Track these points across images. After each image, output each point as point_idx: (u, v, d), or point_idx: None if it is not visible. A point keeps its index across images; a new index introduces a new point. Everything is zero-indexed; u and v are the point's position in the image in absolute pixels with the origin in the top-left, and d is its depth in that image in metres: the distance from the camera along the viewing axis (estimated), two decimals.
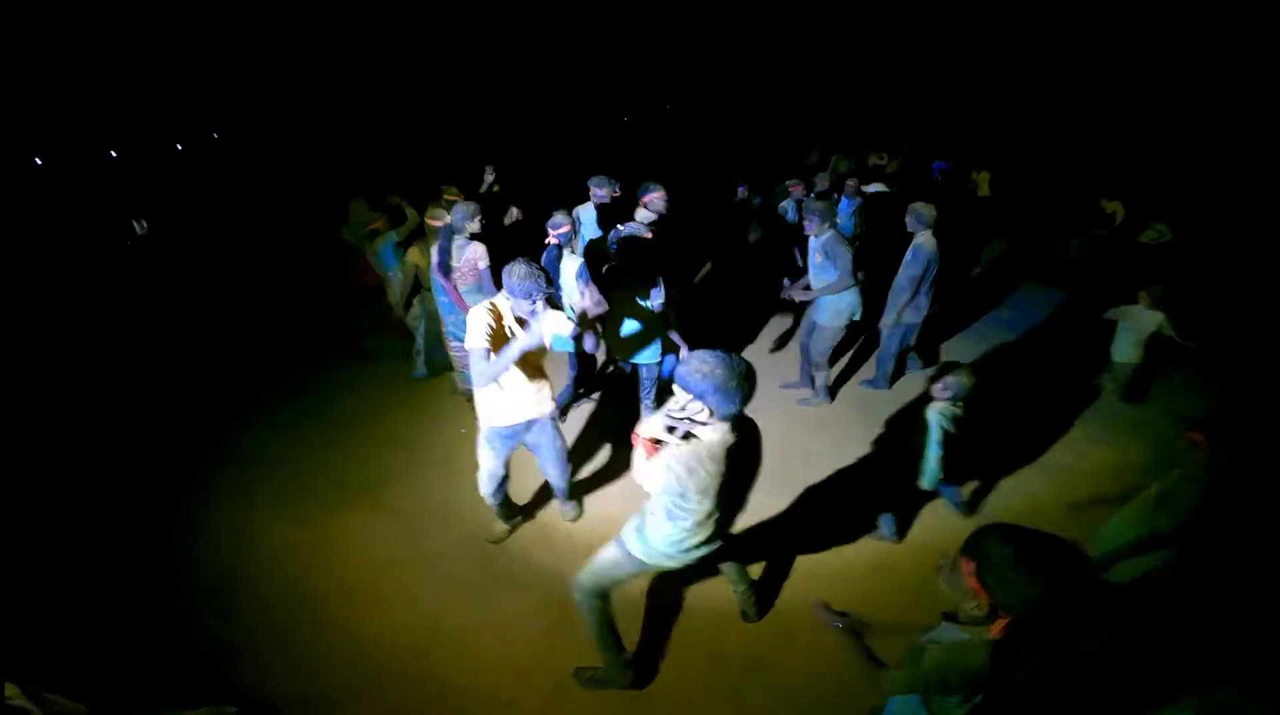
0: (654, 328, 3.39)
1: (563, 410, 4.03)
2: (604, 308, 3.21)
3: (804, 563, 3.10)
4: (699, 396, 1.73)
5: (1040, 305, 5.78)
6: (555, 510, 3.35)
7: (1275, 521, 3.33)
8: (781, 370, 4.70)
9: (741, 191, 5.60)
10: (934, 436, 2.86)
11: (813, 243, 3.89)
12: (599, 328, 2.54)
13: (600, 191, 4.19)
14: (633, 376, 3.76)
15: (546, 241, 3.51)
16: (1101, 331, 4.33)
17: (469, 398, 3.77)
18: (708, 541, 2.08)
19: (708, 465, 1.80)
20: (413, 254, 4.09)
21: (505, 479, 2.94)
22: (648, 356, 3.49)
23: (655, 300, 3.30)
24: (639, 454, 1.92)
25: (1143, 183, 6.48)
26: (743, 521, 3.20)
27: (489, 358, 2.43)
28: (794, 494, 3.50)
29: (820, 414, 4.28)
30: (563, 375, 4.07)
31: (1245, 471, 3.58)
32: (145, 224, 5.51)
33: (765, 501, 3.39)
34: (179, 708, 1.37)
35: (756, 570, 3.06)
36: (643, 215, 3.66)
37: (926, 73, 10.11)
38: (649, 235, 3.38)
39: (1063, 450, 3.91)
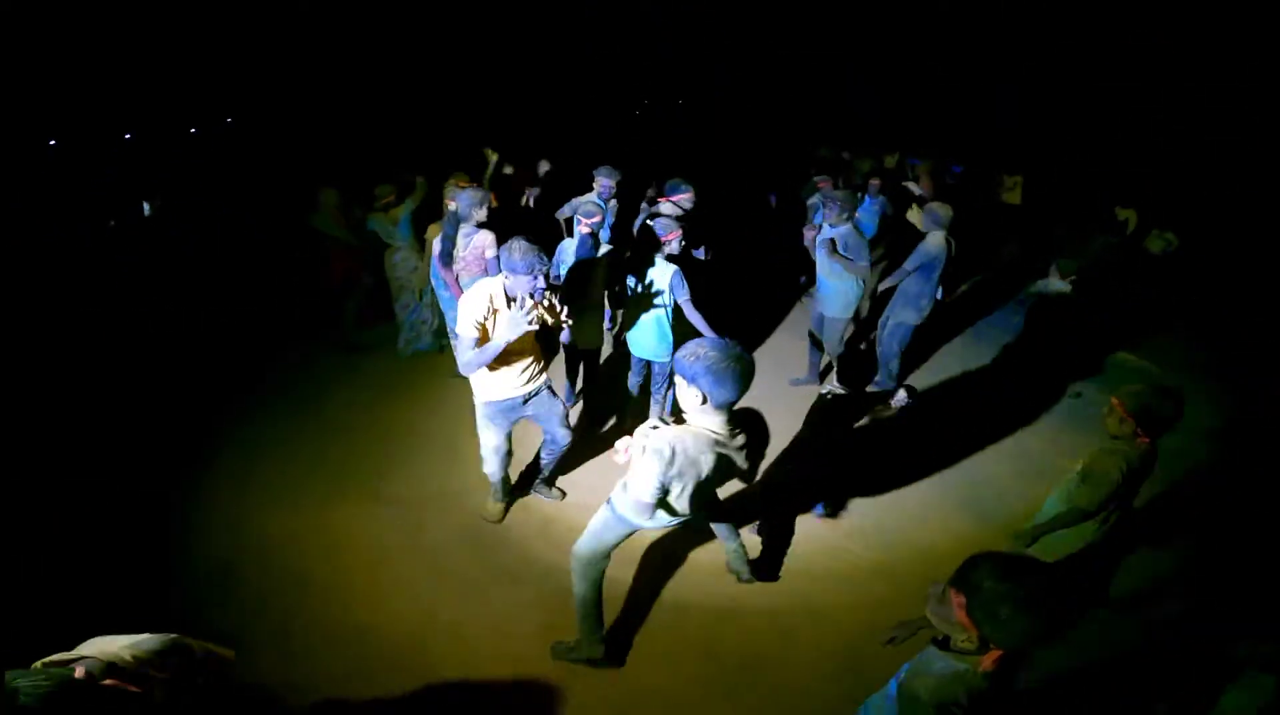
0: (666, 324, 3.35)
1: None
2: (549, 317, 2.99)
3: (808, 563, 3.09)
4: (691, 380, 1.74)
5: (1048, 309, 5.78)
6: (555, 503, 3.35)
7: (1275, 521, 3.34)
8: (790, 366, 4.70)
9: (773, 200, 5.57)
10: None
11: (828, 231, 3.85)
12: (564, 321, 2.66)
13: (607, 182, 4.17)
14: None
15: (579, 230, 3.35)
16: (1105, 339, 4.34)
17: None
18: (678, 511, 2.09)
19: (691, 452, 1.79)
20: (433, 231, 3.90)
21: (509, 454, 2.99)
22: (660, 353, 3.44)
23: (680, 296, 3.23)
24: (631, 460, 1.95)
25: (1143, 183, 6.48)
26: (772, 530, 3.26)
27: (475, 347, 2.49)
28: (806, 496, 3.48)
29: (828, 413, 4.27)
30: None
31: (1245, 471, 3.60)
32: (153, 205, 5.49)
33: (768, 500, 3.40)
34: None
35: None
36: (668, 208, 3.65)
37: (927, 73, 10.12)
38: (677, 231, 3.31)
39: (1057, 454, 3.89)
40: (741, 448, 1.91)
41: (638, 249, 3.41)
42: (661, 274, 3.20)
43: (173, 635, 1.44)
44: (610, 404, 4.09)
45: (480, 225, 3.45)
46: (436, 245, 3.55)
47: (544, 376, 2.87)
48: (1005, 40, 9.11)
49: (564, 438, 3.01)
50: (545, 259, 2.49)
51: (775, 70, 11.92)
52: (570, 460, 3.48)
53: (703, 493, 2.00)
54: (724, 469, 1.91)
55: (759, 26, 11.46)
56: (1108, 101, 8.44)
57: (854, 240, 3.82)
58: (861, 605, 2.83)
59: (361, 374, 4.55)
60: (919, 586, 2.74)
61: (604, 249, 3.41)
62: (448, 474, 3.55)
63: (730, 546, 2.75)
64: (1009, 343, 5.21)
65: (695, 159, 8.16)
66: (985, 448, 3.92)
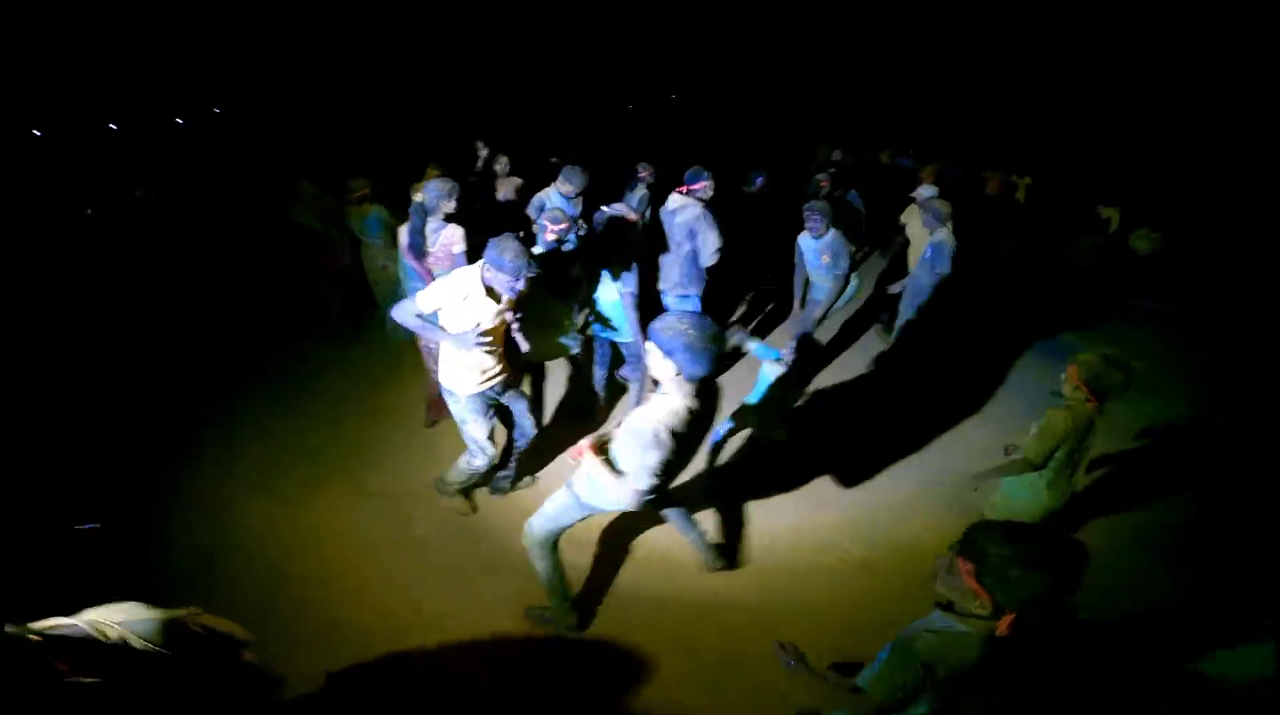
0: (623, 309, 3.41)
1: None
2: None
3: (792, 559, 3.08)
4: (668, 354, 1.80)
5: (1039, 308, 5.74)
6: (540, 494, 3.33)
7: (1275, 521, 3.30)
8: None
9: (760, 182, 5.39)
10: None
11: (817, 244, 3.88)
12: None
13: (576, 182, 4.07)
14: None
15: (544, 237, 3.30)
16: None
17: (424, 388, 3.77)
18: (655, 490, 2.13)
19: (677, 428, 1.86)
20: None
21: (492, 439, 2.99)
22: (627, 335, 3.50)
23: (628, 286, 3.30)
24: (587, 462, 2.07)
25: (1142, 183, 6.45)
26: (741, 520, 3.26)
27: (421, 319, 2.54)
28: (792, 493, 3.49)
29: (834, 413, 4.27)
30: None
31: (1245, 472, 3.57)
32: (140, 194, 5.49)
33: (764, 499, 3.41)
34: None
35: (747, 564, 3.06)
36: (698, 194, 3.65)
37: (927, 73, 10.09)
38: (634, 218, 3.38)
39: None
40: (710, 412, 2.01)
41: (603, 237, 3.42)
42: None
43: (174, 613, 1.37)
44: (580, 397, 4.07)
45: (449, 218, 3.28)
46: (404, 237, 3.38)
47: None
48: (1005, 40, 9.07)
49: (532, 428, 3.12)
50: (533, 266, 2.51)
51: (775, 70, 11.90)
52: (545, 453, 3.56)
53: (685, 458, 2.08)
54: (699, 434, 2.00)
55: (759, 26, 11.45)
56: (1106, 102, 8.40)
57: (840, 246, 3.84)
58: (845, 601, 2.81)
59: (349, 365, 4.51)
60: (902, 583, 2.76)
61: (569, 246, 3.37)
62: (435, 467, 3.51)
63: (691, 537, 2.79)
64: (998, 341, 5.18)
65: (695, 159, 8.13)
66: (973, 444, 3.90)
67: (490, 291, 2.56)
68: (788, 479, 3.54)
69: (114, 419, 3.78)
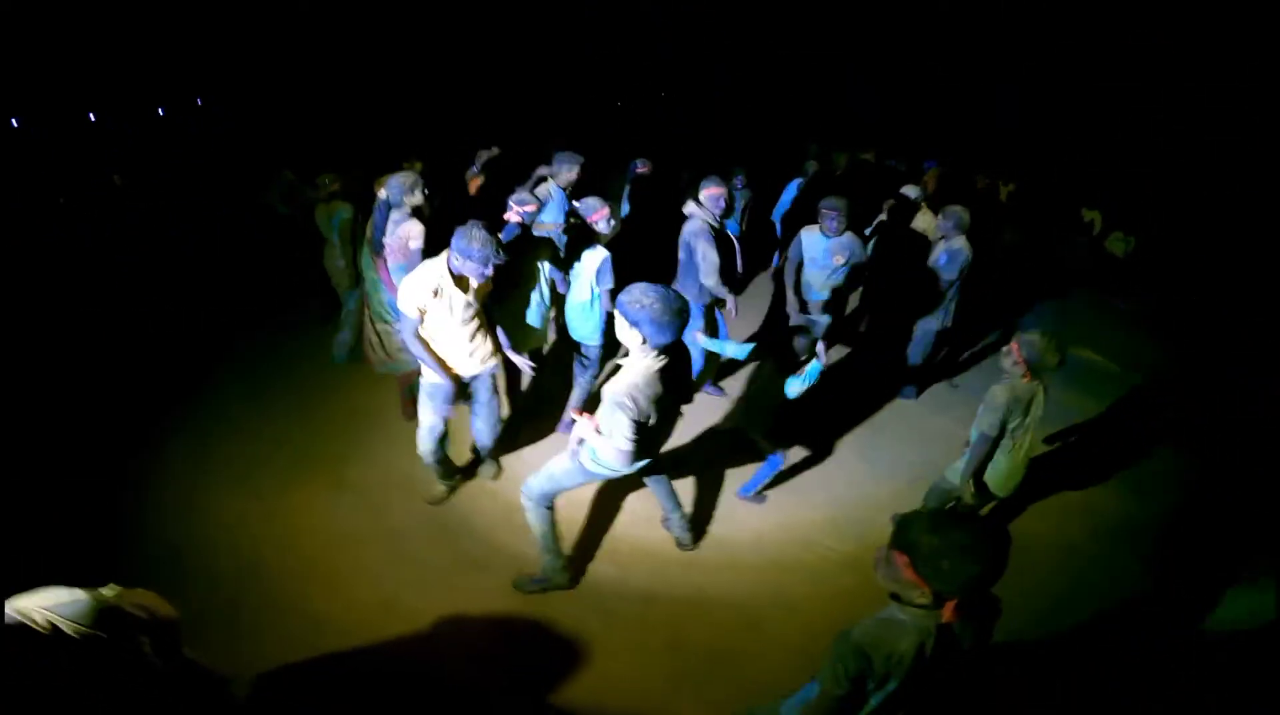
0: (598, 308, 3.34)
1: None
2: None
3: (778, 554, 3.03)
4: (634, 324, 1.93)
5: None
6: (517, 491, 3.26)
7: (1275, 520, 3.26)
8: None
9: (738, 183, 5.30)
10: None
11: (829, 243, 3.66)
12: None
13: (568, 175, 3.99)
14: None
15: (508, 217, 3.27)
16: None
17: (397, 376, 3.69)
18: (647, 452, 2.27)
19: (645, 390, 1.99)
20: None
21: (444, 437, 2.95)
22: (589, 336, 3.41)
23: (603, 285, 3.24)
24: (580, 425, 2.19)
25: (1137, 184, 6.43)
26: (729, 516, 3.21)
27: (415, 334, 2.58)
28: (777, 489, 3.43)
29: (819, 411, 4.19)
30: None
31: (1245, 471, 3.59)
32: (123, 180, 5.43)
33: (764, 499, 3.36)
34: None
35: (733, 560, 3.00)
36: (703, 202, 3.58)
37: (927, 72, 10.08)
38: (604, 211, 3.28)
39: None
40: (681, 374, 2.15)
41: (573, 233, 3.38)
42: (591, 259, 3.23)
43: (102, 595, 1.33)
44: (557, 384, 3.98)
45: (415, 212, 3.18)
46: (369, 232, 3.33)
47: (493, 361, 2.90)
48: (1005, 40, 9.06)
49: (487, 438, 3.18)
50: (501, 254, 2.47)
51: (775, 70, 11.89)
52: (520, 439, 3.59)
53: (667, 421, 2.24)
54: (672, 391, 2.12)
55: (759, 26, 11.45)
56: (1106, 102, 8.37)
57: (857, 248, 3.71)
58: (831, 597, 2.76)
59: (325, 356, 4.38)
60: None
61: (542, 233, 3.35)
62: (412, 459, 3.40)
63: (673, 518, 2.87)
64: (988, 340, 5.16)
65: (695, 159, 8.10)
66: (957, 442, 3.84)
67: (460, 280, 2.53)
68: (774, 476, 3.48)
69: (83, 409, 3.70)
